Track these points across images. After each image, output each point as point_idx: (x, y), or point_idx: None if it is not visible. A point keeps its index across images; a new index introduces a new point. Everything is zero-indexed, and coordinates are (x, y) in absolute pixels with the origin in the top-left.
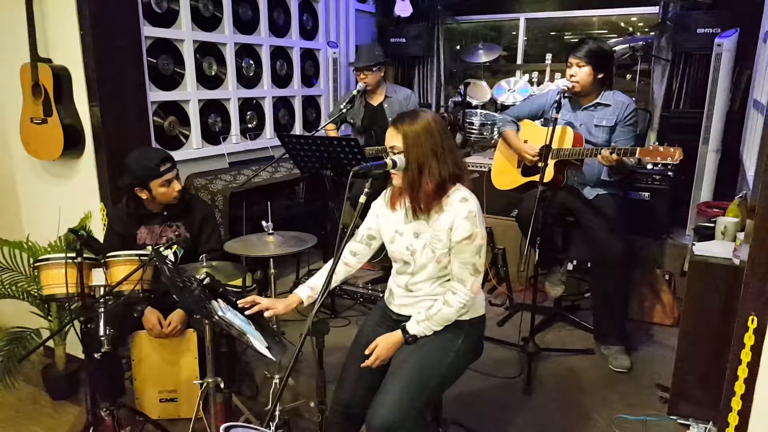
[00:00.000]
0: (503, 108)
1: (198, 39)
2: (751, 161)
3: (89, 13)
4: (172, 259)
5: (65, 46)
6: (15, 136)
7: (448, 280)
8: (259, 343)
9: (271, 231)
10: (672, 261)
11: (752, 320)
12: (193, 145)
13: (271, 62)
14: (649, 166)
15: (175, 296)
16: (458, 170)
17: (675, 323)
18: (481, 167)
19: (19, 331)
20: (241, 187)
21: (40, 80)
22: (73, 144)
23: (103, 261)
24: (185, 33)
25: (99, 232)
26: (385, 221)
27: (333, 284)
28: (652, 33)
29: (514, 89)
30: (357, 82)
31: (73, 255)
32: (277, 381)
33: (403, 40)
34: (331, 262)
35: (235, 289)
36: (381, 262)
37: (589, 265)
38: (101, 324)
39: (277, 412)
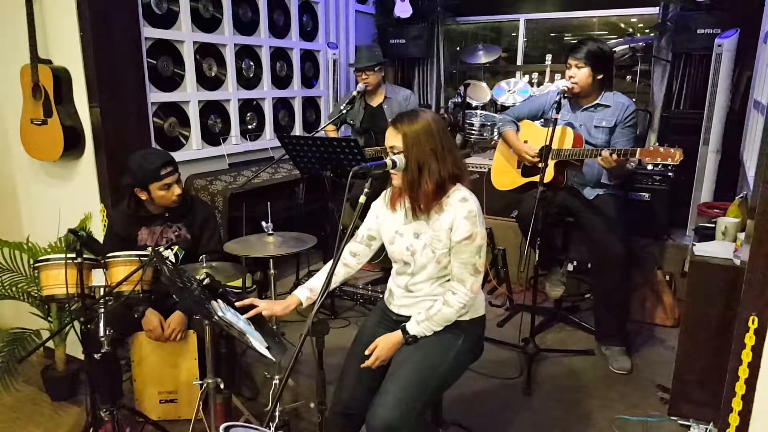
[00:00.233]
0: (503, 109)
1: (198, 40)
2: (752, 162)
3: (89, 14)
4: (173, 260)
5: (65, 47)
6: (15, 137)
7: (448, 280)
8: (258, 343)
9: (270, 232)
10: (672, 261)
11: (753, 320)
12: (193, 146)
13: (271, 63)
14: (650, 167)
15: (175, 297)
16: (458, 170)
17: (675, 324)
18: (481, 168)
19: (19, 332)
20: (241, 188)
21: (40, 81)
22: (73, 145)
23: (102, 261)
24: (185, 34)
25: (99, 233)
26: (385, 222)
27: (333, 285)
28: (652, 34)
29: (514, 90)
30: (357, 83)
31: (73, 255)
32: (277, 381)
33: (403, 41)
34: (330, 262)
35: (235, 290)
36: (381, 263)
37: (589, 265)
38: (101, 325)
39: (276, 413)
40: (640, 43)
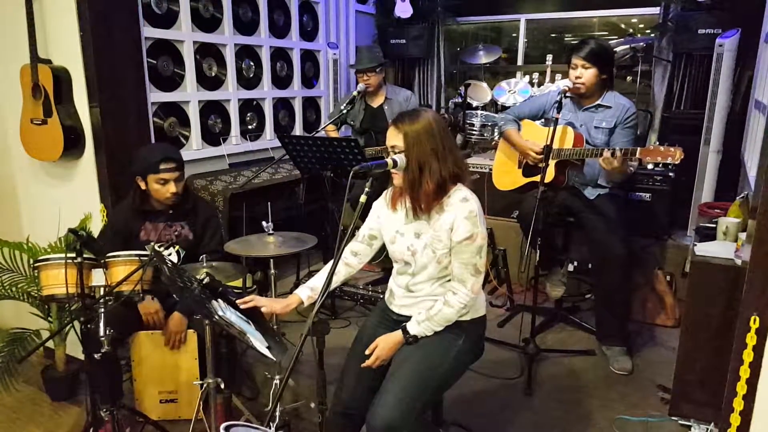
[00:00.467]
0: (503, 109)
1: (198, 40)
2: (753, 162)
3: (89, 13)
4: (174, 260)
5: (65, 47)
6: (15, 137)
7: (449, 280)
8: (259, 343)
9: (271, 232)
10: (673, 262)
11: (754, 320)
12: (193, 146)
13: (271, 63)
14: (650, 166)
15: (175, 296)
16: (459, 170)
17: (676, 324)
18: (481, 168)
19: (18, 332)
20: (241, 188)
21: (40, 81)
22: (73, 145)
23: (102, 261)
24: (185, 34)
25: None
26: (385, 221)
27: (334, 284)
28: (653, 34)
29: (515, 90)
30: (357, 83)
31: (73, 255)
32: (278, 381)
33: (404, 41)
34: (331, 262)
35: (235, 290)
36: (381, 263)
37: (590, 265)
38: (101, 324)
39: (277, 413)
40: (641, 44)
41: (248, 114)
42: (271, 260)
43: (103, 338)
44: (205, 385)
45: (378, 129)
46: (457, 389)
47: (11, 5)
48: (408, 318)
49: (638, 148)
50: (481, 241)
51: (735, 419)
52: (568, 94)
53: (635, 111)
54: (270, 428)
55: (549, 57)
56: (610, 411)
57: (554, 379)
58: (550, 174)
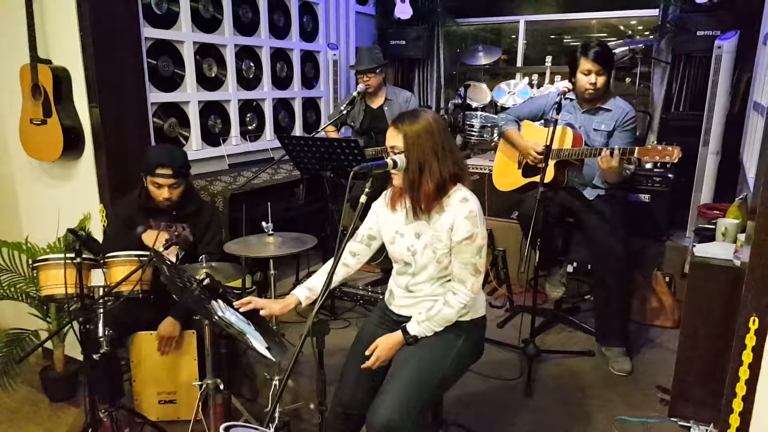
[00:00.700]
0: (503, 110)
1: (198, 40)
2: (752, 163)
3: (89, 14)
4: (173, 260)
5: (65, 47)
6: (14, 137)
7: (449, 280)
8: (258, 343)
9: (270, 232)
10: (672, 263)
11: (753, 321)
12: (193, 147)
13: (271, 64)
14: (648, 166)
15: (174, 296)
16: (459, 170)
17: (675, 325)
18: (481, 169)
19: (17, 333)
20: (240, 188)
21: (40, 81)
22: (72, 145)
23: (102, 261)
24: (185, 34)
25: (98, 233)
26: (385, 222)
27: (332, 285)
28: (652, 36)
29: (514, 91)
30: (357, 84)
31: (72, 255)
32: (277, 382)
33: (403, 42)
34: (330, 262)
35: (235, 291)
36: (381, 264)
37: (589, 266)
38: (100, 325)
39: (276, 414)
40: (640, 45)
41: (248, 114)
42: (271, 261)
43: (102, 339)
44: (204, 386)
45: (378, 130)
46: (456, 390)
47: (11, 5)
48: (408, 318)
49: (636, 148)
50: (481, 241)
51: (734, 420)
52: (567, 96)
53: (635, 115)
54: (269, 429)
55: (548, 58)
56: (610, 412)
57: (554, 380)
58: (549, 174)
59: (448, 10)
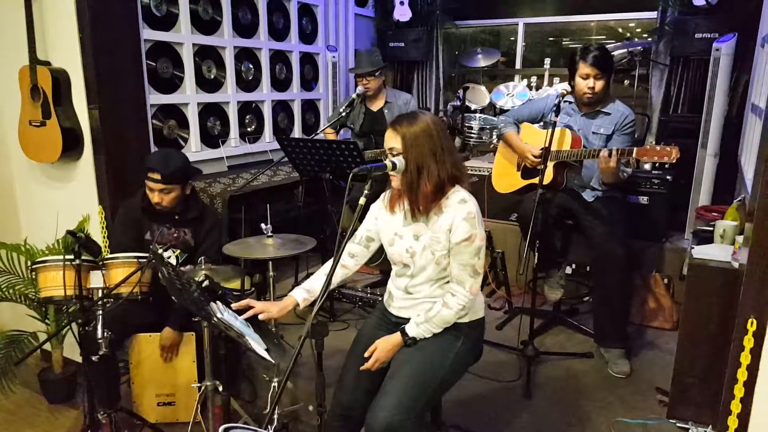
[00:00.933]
0: (502, 112)
1: (197, 42)
2: (750, 165)
3: (88, 15)
4: (173, 263)
5: (64, 49)
6: (13, 138)
7: (448, 282)
8: (257, 345)
9: (270, 234)
10: (671, 265)
11: (752, 323)
12: (192, 149)
13: (270, 66)
14: (647, 167)
15: (174, 298)
16: (457, 172)
17: (674, 327)
18: (480, 171)
19: (16, 335)
20: (240, 190)
21: (39, 83)
22: (71, 147)
23: (101, 263)
24: (185, 36)
25: (97, 235)
26: (384, 224)
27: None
28: (650, 38)
29: (513, 94)
30: (356, 86)
31: (71, 257)
32: (276, 384)
33: (402, 44)
34: (329, 263)
35: (234, 293)
36: (380, 265)
37: (588, 268)
38: (99, 327)
39: (275, 416)
40: (639, 48)
41: (247, 116)
42: (270, 262)
43: (100, 340)
44: (203, 388)
45: (378, 132)
46: (455, 391)
47: (10, 6)
48: (407, 320)
49: (635, 148)
50: (480, 242)
51: (733, 421)
52: (567, 99)
53: (634, 118)
54: (268, 431)
55: (547, 61)
56: (609, 413)
57: (553, 382)
58: (548, 176)
59: (447, 12)
